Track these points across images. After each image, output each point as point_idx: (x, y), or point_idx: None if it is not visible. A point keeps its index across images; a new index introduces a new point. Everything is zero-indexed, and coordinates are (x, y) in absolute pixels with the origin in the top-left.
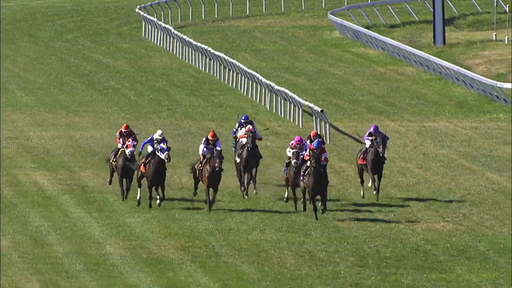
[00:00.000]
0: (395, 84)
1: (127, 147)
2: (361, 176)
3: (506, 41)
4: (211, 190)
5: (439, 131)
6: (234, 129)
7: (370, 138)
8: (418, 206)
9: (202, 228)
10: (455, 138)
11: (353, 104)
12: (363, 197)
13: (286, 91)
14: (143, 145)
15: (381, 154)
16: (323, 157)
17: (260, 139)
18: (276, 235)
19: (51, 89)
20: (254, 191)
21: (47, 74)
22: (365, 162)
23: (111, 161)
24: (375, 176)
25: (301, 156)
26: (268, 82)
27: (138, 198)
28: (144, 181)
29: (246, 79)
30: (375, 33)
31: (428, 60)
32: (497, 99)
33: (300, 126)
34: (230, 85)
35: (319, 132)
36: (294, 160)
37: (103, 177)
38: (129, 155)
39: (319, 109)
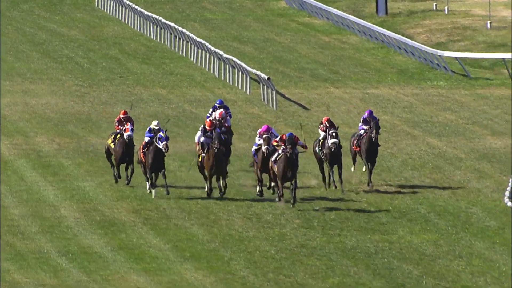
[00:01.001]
0: (339, 53)
1: (125, 130)
2: (353, 158)
3: (446, 11)
4: (215, 177)
5: (381, 98)
6: (208, 114)
7: (365, 127)
8: (361, 170)
9: (153, 191)
10: (397, 104)
11: (299, 71)
12: (353, 171)
13: (234, 59)
14: (146, 136)
15: (373, 139)
16: (300, 145)
17: (229, 127)
18: (224, 198)
19: (7, 57)
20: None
21: (4, 43)
22: (359, 149)
23: (109, 144)
24: (369, 164)
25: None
26: (217, 50)
27: (148, 185)
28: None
29: (195, 48)
30: (320, 3)
31: (371, 29)
32: (438, 67)
33: (248, 93)
34: (180, 53)
35: (265, 98)
36: (266, 146)
37: (58, 142)
38: (127, 139)
39: (266, 77)
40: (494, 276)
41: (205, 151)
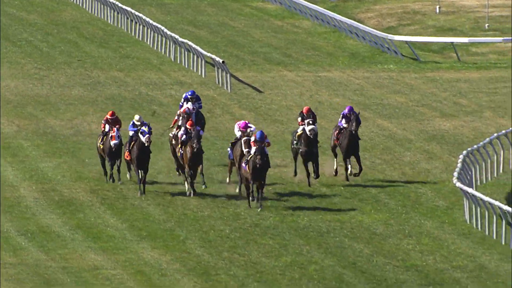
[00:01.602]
0: (292, 37)
1: (111, 138)
2: (334, 152)
3: None
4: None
5: (333, 81)
6: (180, 103)
7: (344, 124)
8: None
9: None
10: (348, 87)
11: (253, 55)
12: (335, 174)
13: (190, 43)
14: (129, 130)
15: (353, 132)
16: (266, 142)
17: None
18: (180, 178)
19: None
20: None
21: None
22: (339, 143)
23: (98, 144)
24: (349, 159)
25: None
26: (173, 34)
27: (139, 185)
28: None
29: (151, 32)
30: None
31: (323, 14)
32: (388, 50)
33: (203, 76)
34: (137, 37)
35: (220, 81)
36: (246, 149)
37: (17, 124)
38: (114, 147)
39: (221, 60)
40: (443, 254)
41: (182, 148)
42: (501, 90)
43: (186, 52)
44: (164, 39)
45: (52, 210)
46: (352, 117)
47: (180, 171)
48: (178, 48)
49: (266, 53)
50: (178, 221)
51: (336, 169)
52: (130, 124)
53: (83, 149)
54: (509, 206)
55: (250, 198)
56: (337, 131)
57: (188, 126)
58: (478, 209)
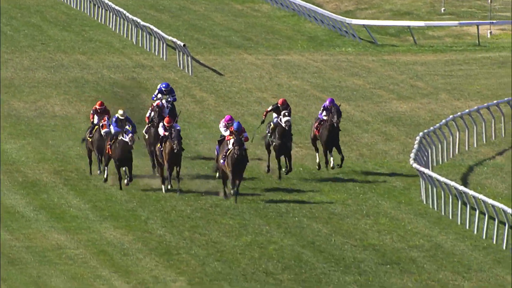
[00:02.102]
0: (251, 20)
1: (102, 126)
2: (314, 145)
3: None
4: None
5: (292, 64)
6: (154, 95)
7: (324, 117)
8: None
9: (73, 153)
10: (307, 70)
11: (213, 38)
12: (318, 168)
13: (151, 26)
14: (113, 126)
15: (335, 124)
16: (244, 137)
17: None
18: (143, 159)
19: None
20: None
21: None
22: (320, 134)
23: (87, 137)
24: (329, 152)
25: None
26: (135, 18)
27: (105, 176)
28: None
29: (114, 16)
30: None
31: None
32: (346, 34)
33: (164, 59)
34: (99, 21)
35: (181, 64)
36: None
37: None
38: (104, 135)
39: (182, 44)
40: (400, 234)
41: (162, 146)
42: (456, 73)
43: (148, 36)
44: (126, 22)
45: (16, 191)
46: (333, 109)
47: (157, 169)
48: (140, 31)
49: (226, 36)
50: (140, 201)
51: (319, 163)
52: (113, 118)
53: (46, 131)
54: (464, 186)
55: (228, 192)
56: (317, 123)
57: (165, 123)
58: (434, 190)
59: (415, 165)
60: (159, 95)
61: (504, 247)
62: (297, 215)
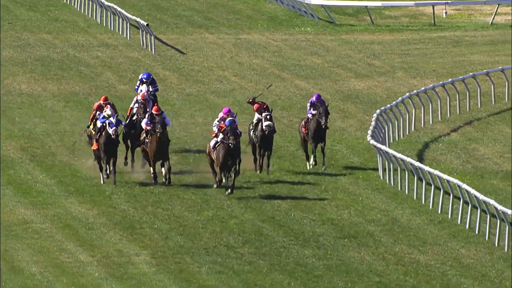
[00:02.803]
0: (213, 1)
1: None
2: (305, 150)
3: None
4: (158, 163)
5: (253, 43)
6: (136, 86)
7: (313, 112)
8: (234, 109)
9: (40, 130)
10: (267, 49)
11: (176, 18)
12: (309, 167)
13: (115, 6)
14: (99, 120)
15: (323, 126)
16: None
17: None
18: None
19: None
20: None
21: None
22: (307, 131)
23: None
24: (319, 145)
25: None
26: None
27: (102, 176)
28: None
29: None
30: None
31: None
32: (305, 14)
33: (128, 39)
34: (65, 1)
35: (144, 43)
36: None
37: None
38: (113, 134)
39: (145, 23)
40: (358, 209)
41: (148, 136)
42: (413, 52)
43: (112, 15)
44: (90, 2)
45: None
46: (321, 109)
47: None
48: (104, 11)
49: (188, 16)
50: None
51: (312, 162)
52: (99, 116)
53: (13, 108)
54: (420, 162)
55: (219, 184)
56: (304, 120)
57: (154, 112)
58: (391, 165)
59: (372, 141)
60: (141, 86)
61: (458, 221)
62: (257, 191)
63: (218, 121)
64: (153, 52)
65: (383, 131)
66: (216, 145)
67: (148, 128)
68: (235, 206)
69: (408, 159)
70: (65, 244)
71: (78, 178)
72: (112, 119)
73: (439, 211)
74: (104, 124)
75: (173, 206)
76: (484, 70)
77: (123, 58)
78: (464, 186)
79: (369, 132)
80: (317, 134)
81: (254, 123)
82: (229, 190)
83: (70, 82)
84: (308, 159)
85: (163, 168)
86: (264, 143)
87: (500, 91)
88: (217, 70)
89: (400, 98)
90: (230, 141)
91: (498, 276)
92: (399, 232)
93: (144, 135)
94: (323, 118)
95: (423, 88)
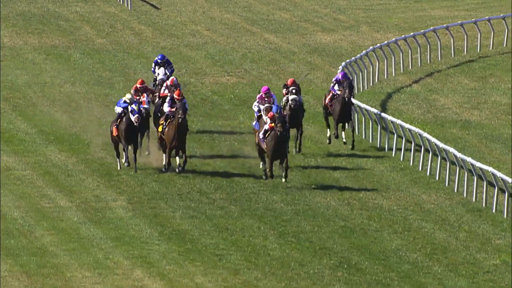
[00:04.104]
0: None
1: (141, 103)
2: (326, 119)
3: None
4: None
5: None
6: (152, 69)
7: (338, 91)
8: (206, 62)
9: (21, 82)
10: (238, 4)
11: None
12: (329, 142)
13: None
14: (118, 106)
15: (346, 99)
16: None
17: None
18: (85, 87)
19: None
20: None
21: None
22: (332, 108)
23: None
24: (346, 124)
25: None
26: None
27: (120, 162)
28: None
29: None
30: None
31: None
32: None
33: None
34: None
35: None
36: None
37: None
38: (144, 112)
39: None
40: (324, 157)
41: (167, 122)
42: (376, 7)
43: None
44: None
45: None
46: (345, 83)
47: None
48: None
49: None
50: (83, 126)
51: (330, 136)
52: (119, 101)
53: None
54: (383, 112)
55: (267, 170)
56: (329, 95)
57: (175, 96)
58: (356, 115)
59: (338, 92)
60: (156, 68)
61: (420, 168)
62: (229, 139)
63: (258, 102)
64: (129, 8)
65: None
66: (266, 135)
67: (172, 110)
68: (207, 154)
69: (372, 109)
70: (46, 190)
71: (57, 128)
72: (134, 106)
73: (401, 159)
74: (125, 111)
75: (148, 154)
76: (444, 25)
77: (100, 13)
78: (425, 134)
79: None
80: (341, 114)
81: (283, 104)
82: (284, 179)
83: (50, 36)
84: (329, 127)
85: (177, 158)
86: (291, 120)
87: (459, 45)
88: (190, 24)
89: (364, 51)
90: (277, 129)
91: (457, 220)
92: (363, 179)
93: (163, 120)
94: (347, 91)
95: (386, 42)
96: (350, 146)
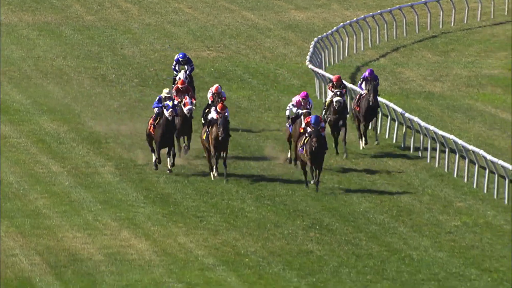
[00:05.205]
0: None
1: (184, 105)
2: (358, 128)
3: None
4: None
5: None
6: (173, 67)
7: (364, 90)
8: (188, 38)
9: (16, 56)
10: None
11: None
12: (362, 148)
13: None
14: (154, 107)
15: (371, 103)
16: (322, 127)
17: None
18: (75, 61)
19: None
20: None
21: None
22: (359, 109)
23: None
24: (365, 124)
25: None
26: None
27: (154, 160)
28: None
29: None
30: None
31: None
32: None
33: None
34: None
35: None
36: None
37: None
38: (187, 113)
39: None
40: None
41: (209, 129)
42: None
43: None
44: None
45: None
46: (370, 86)
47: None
48: None
49: None
50: (73, 97)
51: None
52: (156, 99)
53: None
54: (353, 84)
55: (307, 180)
56: (356, 98)
57: (218, 110)
58: (327, 87)
59: (310, 66)
60: (177, 66)
61: (386, 136)
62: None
63: (293, 104)
64: None
65: (320, 56)
66: (306, 141)
67: (217, 117)
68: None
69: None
70: (39, 156)
71: (50, 99)
72: (169, 102)
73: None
74: (161, 110)
75: (134, 123)
76: (409, 3)
77: None
78: (391, 105)
79: (308, 57)
80: (368, 113)
81: (326, 103)
82: (316, 187)
83: (43, 13)
84: (361, 137)
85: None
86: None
87: (423, 21)
88: (173, 2)
89: (335, 28)
90: (313, 143)
91: (421, 185)
92: (334, 147)
93: (208, 124)
94: (371, 95)
95: (355, 19)
96: (375, 142)
